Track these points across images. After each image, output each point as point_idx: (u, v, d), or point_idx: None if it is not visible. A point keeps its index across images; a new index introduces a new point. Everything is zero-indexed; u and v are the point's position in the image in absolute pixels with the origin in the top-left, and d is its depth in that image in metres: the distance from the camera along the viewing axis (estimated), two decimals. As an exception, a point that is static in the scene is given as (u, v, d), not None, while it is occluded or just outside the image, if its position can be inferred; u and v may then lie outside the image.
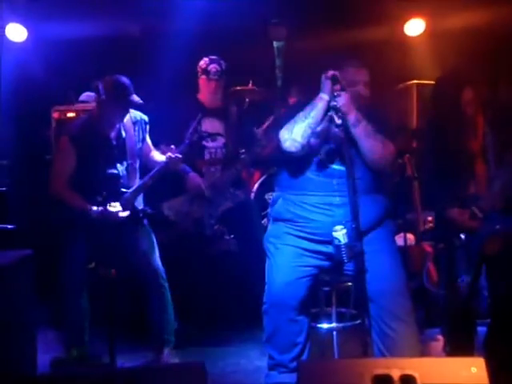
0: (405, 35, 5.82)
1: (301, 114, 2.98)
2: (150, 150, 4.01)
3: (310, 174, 3.05)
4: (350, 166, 2.80)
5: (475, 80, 3.36)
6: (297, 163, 3.07)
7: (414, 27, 5.76)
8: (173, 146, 3.88)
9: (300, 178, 3.07)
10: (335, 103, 2.87)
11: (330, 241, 2.90)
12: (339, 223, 2.87)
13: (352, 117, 2.93)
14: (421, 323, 4.16)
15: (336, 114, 2.86)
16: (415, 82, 5.01)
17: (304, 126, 2.96)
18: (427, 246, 4.42)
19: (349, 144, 2.87)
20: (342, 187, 2.91)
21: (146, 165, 3.97)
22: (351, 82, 3.04)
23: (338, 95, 2.88)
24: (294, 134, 2.97)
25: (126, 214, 3.65)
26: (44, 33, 5.47)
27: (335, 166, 3.02)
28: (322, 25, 5.56)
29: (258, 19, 5.64)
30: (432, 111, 3.47)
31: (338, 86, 2.89)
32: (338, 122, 2.83)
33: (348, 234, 2.81)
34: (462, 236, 3.28)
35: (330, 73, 2.91)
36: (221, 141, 4.37)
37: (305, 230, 3.05)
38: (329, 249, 2.98)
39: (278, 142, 3.06)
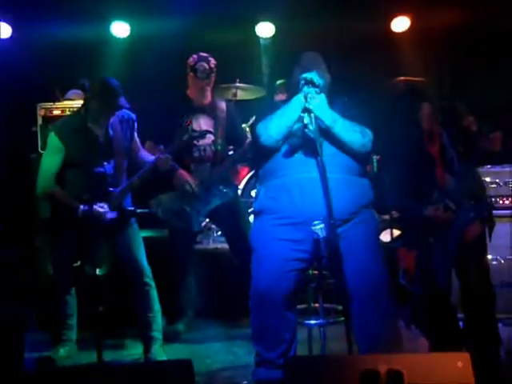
0: (391, 32, 5.88)
1: (278, 112, 3.06)
2: (139, 149, 3.98)
3: (286, 156, 3.08)
4: (323, 168, 2.86)
5: (430, 95, 3.62)
6: (273, 150, 3.11)
7: (400, 24, 5.86)
8: (162, 146, 3.86)
9: (277, 162, 3.10)
10: (309, 106, 2.94)
11: (310, 223, 2.87)
12: (317, 201, 2.88)
13: (328, 118, 3.00)
14: (407, 320, 4.18)
15: (309, 115, 2.94)
16: (402, 78, 5.03)
17: (279, 123, 3.04)
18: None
19: (321, 145, 2.91)
20: (318, 165, 2.94)
21: (134, 164, 3.93)
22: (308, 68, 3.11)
23: (312, 98, 2.95)
24: (270, 130, 3.06)
25: (113, 214, 3.64)
26: (29, 30, 5.44)
27: (310, 152, 3.03)
28: (309, 22, 5.57)
29: (246, 16, 5.67)
30: (393, 123, 3.61)
31: (312, 89, 2.95)
32: (305, 122, 2.94)
33: (326, 229, 2.83)
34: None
35: (306, 75, 2.98)
36: (210, 138, 4.34)
37: (285, 213, 3.02)
38: (309, 235, 2.91)
39: (254, 136, 3.14)
